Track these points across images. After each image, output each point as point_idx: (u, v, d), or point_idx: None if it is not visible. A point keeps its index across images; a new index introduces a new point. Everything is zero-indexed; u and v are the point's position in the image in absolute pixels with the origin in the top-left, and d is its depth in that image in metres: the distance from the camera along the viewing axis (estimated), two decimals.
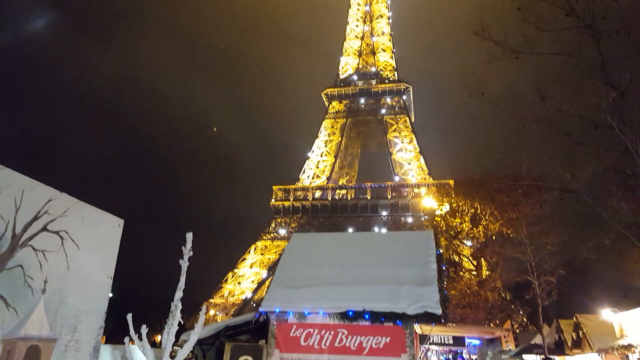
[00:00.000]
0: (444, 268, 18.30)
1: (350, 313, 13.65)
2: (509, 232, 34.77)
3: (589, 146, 18.19)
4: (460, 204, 40.31)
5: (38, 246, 11.33)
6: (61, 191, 12.01)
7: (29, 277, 11.07)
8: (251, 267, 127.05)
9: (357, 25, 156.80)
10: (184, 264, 8.59)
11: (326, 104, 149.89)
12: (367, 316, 13.48)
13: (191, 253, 8.74)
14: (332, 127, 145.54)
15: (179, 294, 8.42)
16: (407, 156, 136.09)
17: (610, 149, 16.95)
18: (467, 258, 42.42)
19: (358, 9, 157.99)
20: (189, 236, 8.71)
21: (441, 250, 19.42)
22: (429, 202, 55.43)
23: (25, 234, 11.03)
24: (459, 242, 41.24)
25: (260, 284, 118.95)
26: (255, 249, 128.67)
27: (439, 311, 13.15)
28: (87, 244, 12.77)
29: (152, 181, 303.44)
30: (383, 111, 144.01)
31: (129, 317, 8.38)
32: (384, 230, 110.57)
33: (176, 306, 8.22)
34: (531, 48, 19.23)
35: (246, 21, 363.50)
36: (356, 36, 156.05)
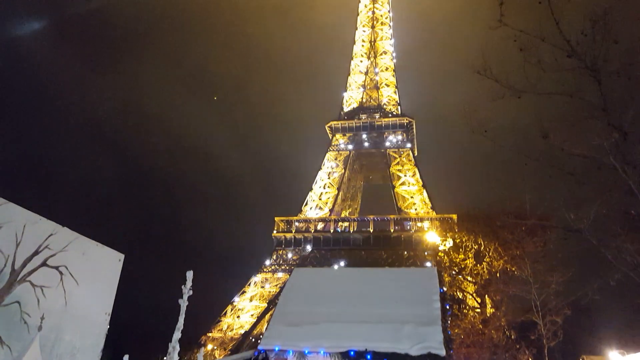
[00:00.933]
0: (447, 307, 18.01)
1: (352, 353, 13.37)
2: (513, 269, 34.36)
3: (592, 186, 18.17)
4: (464, 239, 40.01)
5: (37, 281, 11.21)
6: (63, 225, 11.97)
7: (26, 314, 10.89)
8: (251, 300, 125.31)
9: (361, 61, 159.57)
10: (183, 303, 8.45)
11: (330, 136, 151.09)
12: (369, 356, 13.19)
13: (190, 292, 8.61)
14: (336, 159, 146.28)
15: (177, 334, 8.25)
16: (410, 189, 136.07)
17: (614, 189, 16.91)
18: (471, 295, 41.76)
19: (362, 45, 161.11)
20: (189, 275, 8.60)
21: (445, 288, 19.17)
22: (432, 236, 55.07)
23: (24, 269, 10.93)
24: (462, 279, 40.72)
25: (260, 318, 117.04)
26: (255, 281, 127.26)
27: (442, 352, 12.89)
28: (86, 279, 12.62)
29: (153, 211, 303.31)
30: (386, 144, 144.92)
31: (126, 358, 8.20)
32: (386, 265, 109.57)
33: (174, 347, 8.05)
34: (533, 88, 19.42)
35: (251, 51, 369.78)
36: (360, 71, 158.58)
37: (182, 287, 8.53)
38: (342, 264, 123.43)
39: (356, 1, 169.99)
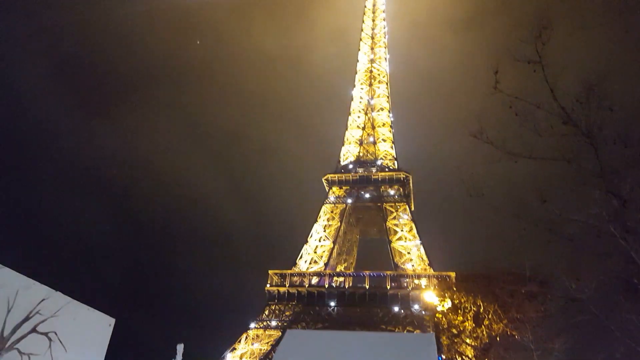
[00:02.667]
0: None
1: None
2: (514, 333, 33.50)
3: (592, 253, 17.99)
4: (463, 300, 39.21)
5: (25, 349, 10.78)
6: (56, 289, 11.69)
7: None
8: (241, 358, 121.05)
9: (358, 117, 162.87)
10: None
11: (326, 188, 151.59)
12: None
13: None
14: (332, 212, 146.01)
15: None
16: (406, 245, 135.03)
17: (615, 257, 16.74)
18: None
19: (360, 102, 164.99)
20: (180, 348, 8.30)
21: (443, 356, 18.58)
22: (430, 296, 54.06)
23: (13, 336, 10.55)
24: (461, 342, 39.59)
25: None
26: (246, 337, 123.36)
27: None
28: (75, 345, 12.16)
29: (146, 262, 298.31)
30: (383, 199, 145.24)
31: None
32: (382, 324, 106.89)
33: None
34: (530, 152, 19.57)
35: (247, 100, 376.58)
36: (358, 126, 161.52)
37: None
38: (336, 320, 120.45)
39: (354, 57, 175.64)
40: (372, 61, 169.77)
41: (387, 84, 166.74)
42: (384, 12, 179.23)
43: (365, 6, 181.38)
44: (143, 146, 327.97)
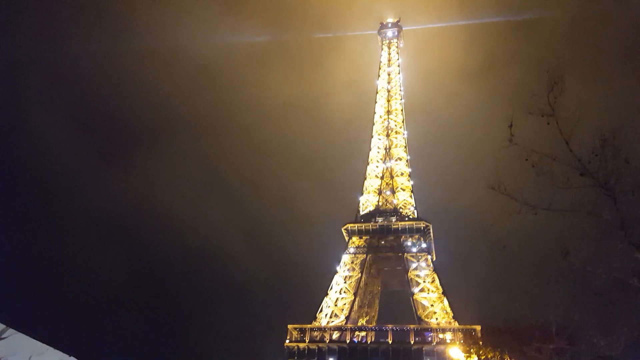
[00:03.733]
0: None
1: None
2: None
3: (621, 307, 17.51)
4: (489, 355, 37.88)
5: None
6: (70, 354, 11.80)
7: None
8: None
9: (377, 166, 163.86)
10: None
11: (346, 238, 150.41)
12: None
13: None
14: (352, 262, 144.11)
15: None
16: (430, 296, 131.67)
17: None
18: None
19: (378, 152, 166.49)
20: None
21: None
22: (455, 352, 52.23)
23: None
24: None
25: None
26: None
27: None
28: None
29: (162, 316, 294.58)
30: (403, 249, 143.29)
31: None
32: None
33: None
34: (548, 204, 19.44)
35: (266, 151, 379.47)
36: (376, 175, 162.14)
37: None
38: None
39: (369, 105, 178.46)
40: (388, 112, 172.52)
41: (403, 134, 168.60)
42: (399, 66, 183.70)
43: (380, 61, 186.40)
44: (160, 194, 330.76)
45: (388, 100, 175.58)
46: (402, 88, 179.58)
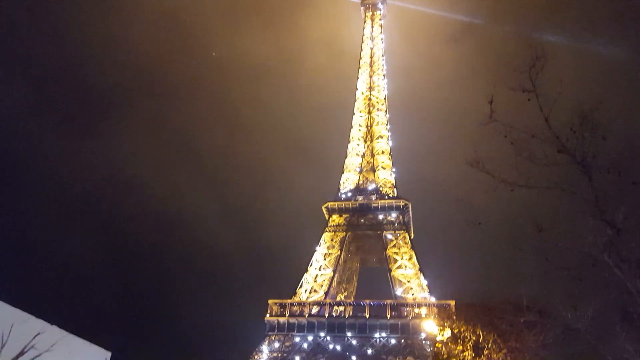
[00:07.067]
0: None
1: None
2: None
3: (589, 282, 17.91)
4: (462, 329, 38.71)
5: None
6: (51, 323, 11.61)
7: None
8: None
9: (358, 144, 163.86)
10: None
11: (326, 217, 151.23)
12: None
13: None
14: (332, 240, 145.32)
15: None
16: (406, 273, 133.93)
17: (611, 286, 16.68)
18: None
19: (359, 129, 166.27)
20: None
21: None
22: (430, 325, 53.39)
23: None
24: None
25: None
26: None
27: None
28: None
29: (139, 291, 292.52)
30: (382, 227, 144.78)
31: None
32: (382, 354, 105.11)
33: None
34: (525, 182, 19.61)
35: (238, 119, 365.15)
36: (357, 154, 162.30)
37: None
38: (337, 349, 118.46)
39: (346, 69, 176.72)
40: (370, 89, 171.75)
41: (385, 111, 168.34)
42: (382, 40, 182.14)
43: (363, 34, 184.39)
44: (130, 164, 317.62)
45: (370, 76, 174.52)
46: (384, 65, 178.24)
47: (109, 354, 13.42)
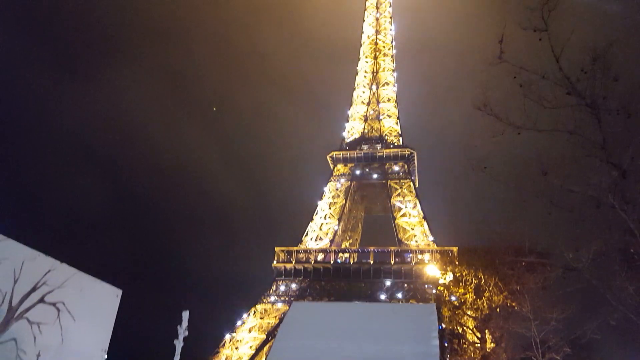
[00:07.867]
0: (445, 344, 17.77)
1: None
2: (513, 304, 33.94)
3: (592, 224, 18.08)
4: (464, 273, 39.61)
5: (34, 318, 11.13)
6: (61, 261, 11.97)
7: (22, 351, 10.79)
8: (250, 331, 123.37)
9: (363, 92, 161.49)
10: (179, 344, 8.38)
11: (331, 166, 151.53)
12: None
13: (186, 333, 8.54)
14: (337, 189, 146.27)
15: None
16: (410, 221, 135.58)
17: (613, 227, 16.84)
18: (471, 330, 41.11)
19: (365, 76, 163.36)
20: (185, 315, 8.56)
21: (444, 325, 18.94)
22: (432, 270, 54.61)
23: (21, 306, 10.89)
24: (462, 313, 40.14)
25: (259, 350, 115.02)
26: (254, 312, 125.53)
27: None
28: (83, 315, 12.52)
29: (147, 236, 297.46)
30: (387, 176, 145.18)
31: None
32: (385, 297, 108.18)
33: None
34: (533, 125, 19.42)
35: (240, 62, 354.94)
36: (362, 102, 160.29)
37: (178, 327, 8.47)
38: (341, 295, 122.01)
39: (358, 26, 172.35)
40: (377, 32, 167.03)
41: (392, 56, 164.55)
42: None
43: None
44: (131, 110, 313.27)
45: (376, 19, 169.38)
46: (391, 4, 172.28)
47: (119, 292, 13.89)
